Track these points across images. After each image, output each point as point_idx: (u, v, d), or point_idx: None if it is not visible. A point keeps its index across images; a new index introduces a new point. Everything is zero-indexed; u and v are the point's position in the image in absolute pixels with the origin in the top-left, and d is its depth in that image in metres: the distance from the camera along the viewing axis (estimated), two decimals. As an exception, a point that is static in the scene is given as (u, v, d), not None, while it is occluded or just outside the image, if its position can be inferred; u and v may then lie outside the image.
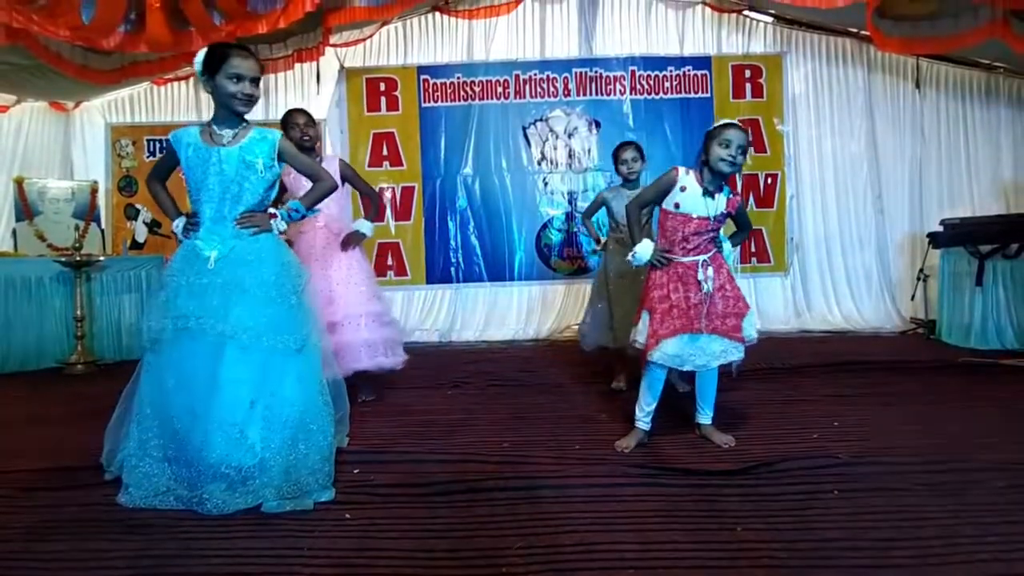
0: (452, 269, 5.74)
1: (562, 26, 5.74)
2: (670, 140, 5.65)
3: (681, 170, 2.37)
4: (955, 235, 4.65)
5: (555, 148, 5.71)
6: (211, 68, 2.02)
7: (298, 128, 3.07)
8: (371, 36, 5.57)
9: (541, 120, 5.70)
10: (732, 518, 1.77)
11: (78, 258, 4.39)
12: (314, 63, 5.35)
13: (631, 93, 5.65)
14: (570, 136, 5.70)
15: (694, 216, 2.33)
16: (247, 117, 2.11)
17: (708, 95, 5.66)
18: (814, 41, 5.70)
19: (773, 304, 5.63)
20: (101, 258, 4.64)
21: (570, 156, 5.71)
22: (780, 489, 1.95)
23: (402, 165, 5.69)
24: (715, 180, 2.36)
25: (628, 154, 3.32)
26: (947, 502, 1.82)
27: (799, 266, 5.69)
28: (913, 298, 5.36)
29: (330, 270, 3.05)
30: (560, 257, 5.74)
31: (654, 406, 2.41)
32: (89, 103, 5.74)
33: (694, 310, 2.31)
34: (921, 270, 5.25)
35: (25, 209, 4.99)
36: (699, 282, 2.31)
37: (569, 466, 2.19)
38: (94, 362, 4.40)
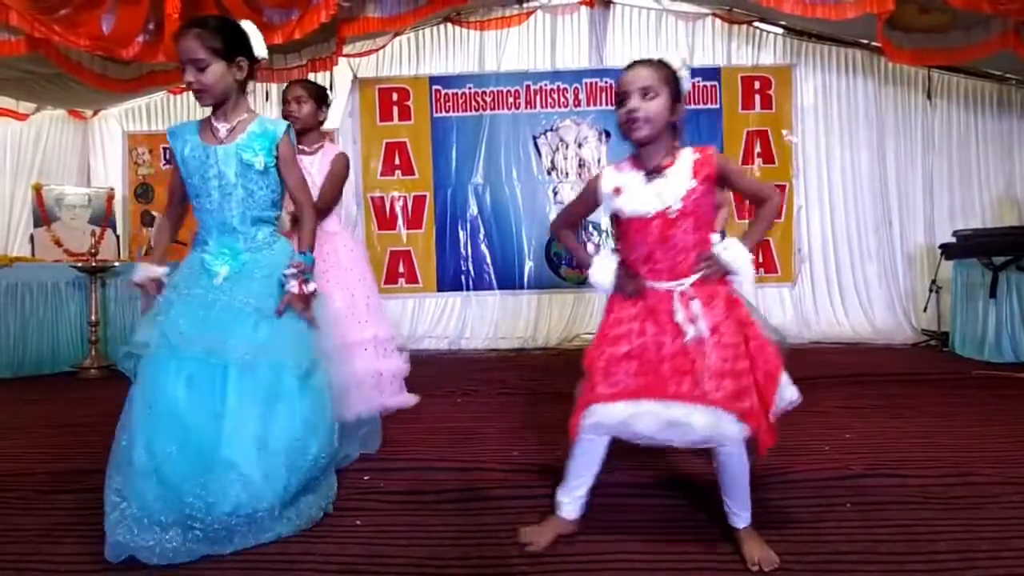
0: (462, 277, 5.77)
1: (573, 37, 5.79)
2: (680, 150, 5.66)
3: (607, 171, 1.69)
4: (968, 246, 4.62)
5: (565, 158, 5.74)
6: None
7: (286, 104, 2.58)
8: (384, 47, 5.63)
9: (551, 130, 5.73)
10: (743, 529, 1.76)
11: (94, 264, 4.45)
12: (328, 73, 5.40)
13: (641, 103, 5.67)
14: (580, 146, 5.73)
15: (649, 215, 1.57)
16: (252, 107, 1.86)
17: (717, 106, 5.67)
18: (824, 52, 5.71)
19: (780, 315, 5.60)
20: (116, 264, 4.70)
21: (580, 166, 5.73)
22: (792, 501, 1.93)
23: (414, 174, 5.74)
24: (657, 149, 1.60)
25: None
26: (962, 516, 1.80)
27: (808, 277, 5.67)
28: (926, 310, 5.32)
29: (351, 287, 2.59)
30: (569, 266, 5.74)
31: (588, 486, 1.70)
32: (107, 111, 5.84)
33: (668, 364, 1.53)
34: (934, 281, 5.21)
35: (43, 215, 5.07)
36: (677, 323, 1.54)
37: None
38: (108, 367, 4.44)
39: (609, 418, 1.57)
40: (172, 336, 1.67)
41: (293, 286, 1.75)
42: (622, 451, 2.45)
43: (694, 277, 1.57)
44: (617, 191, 1.62)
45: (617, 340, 1.60)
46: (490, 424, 2.94)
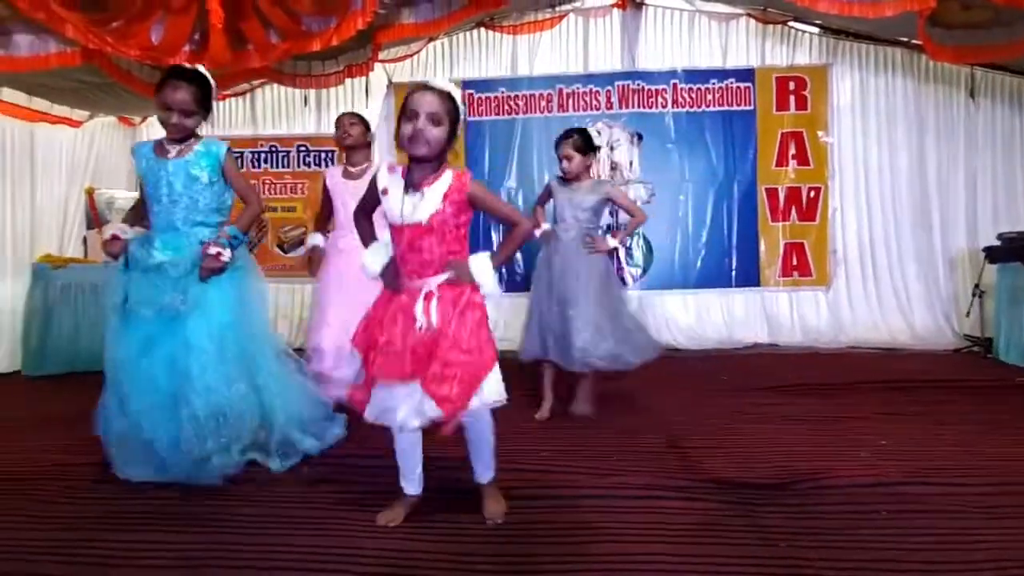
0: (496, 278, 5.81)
1: (605, 40, 5.79)
2: (712, 153, 5.61)
3: (382, 168, 1.88)
4: (1012, 249, 4.49)
5: (598, 160, 5.74)
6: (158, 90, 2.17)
7: (341, 127, 3.13)
8: (418, 52, 5.72)
9: (583, 133, 5.75)
10: (775, 534, 1.76)
11: (141, 265, 4.63)
12: (364, 78, 5.51)
13: (673, 106, 5.65)
14: (612, 148, 5.73)
15: (403, 224, 1.79)
16: (199, 132, 2.26)
17: (751, 107, 5.60)
18: (861, 51, 5.59)
19: (814, 318, 5.51)
20: (161, 265, 4.88)
21: (612, 168, 5.73)
22: (826, 507, 1.93)
23: (445, 177, 5.81)
24: (425, 167, 1.79)
25: (560, 149, 3.09)
26: (1001, 525, 1.77)
27: (844, 280, 5.56)
28: (968, 315, 5.16)
29: (342, 303, 2.78)
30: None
31: (418, 469, 1.95)
32: (154, 118, 6.05)
33: (411, 352, 1.75)
34: (977, 285, 5.06)
35: (95, 218, 5.30)
36: (415, 316, 1.77)
37: (606, 476, 2.21)
38: (153, 364, 4.62)
39: (375, 408, 1.83)
40: (132, 303, 2.16)
41: (208, 247, 2.14)
42: (648, 454, 2.47)
43: (439, 279, 1.80)
44: (385, 192, 1.82)
45: (376, 329, 1.83)
46: (515, 424, 2.93)
